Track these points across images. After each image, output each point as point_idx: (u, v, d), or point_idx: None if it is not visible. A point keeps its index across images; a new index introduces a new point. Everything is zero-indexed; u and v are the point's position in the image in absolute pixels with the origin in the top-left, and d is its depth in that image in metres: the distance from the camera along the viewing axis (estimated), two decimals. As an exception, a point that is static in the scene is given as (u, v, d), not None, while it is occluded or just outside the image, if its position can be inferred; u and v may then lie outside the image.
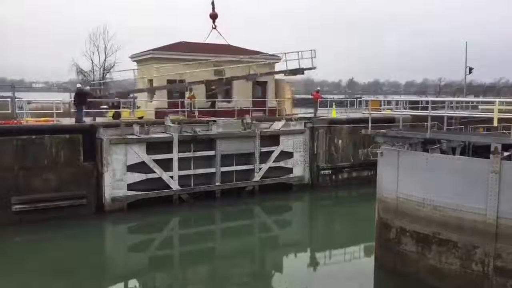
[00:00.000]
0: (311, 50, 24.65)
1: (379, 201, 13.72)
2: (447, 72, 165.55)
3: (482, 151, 12.75)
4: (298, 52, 25.05)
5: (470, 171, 11.28)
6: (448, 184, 11.66)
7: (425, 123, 13.40)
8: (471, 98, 36.55)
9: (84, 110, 22.14)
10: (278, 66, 27.87)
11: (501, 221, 10.73)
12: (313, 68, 25.71)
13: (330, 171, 25.23)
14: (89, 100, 22.42)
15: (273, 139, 23.97)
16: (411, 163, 12.61)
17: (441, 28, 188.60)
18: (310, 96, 32.84)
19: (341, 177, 25.59)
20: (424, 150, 13.24)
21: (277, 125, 24.57)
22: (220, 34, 26.36)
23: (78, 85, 23.55)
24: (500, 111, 13.46)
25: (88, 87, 26.66)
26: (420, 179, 12.29)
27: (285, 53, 25.73)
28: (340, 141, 25.44)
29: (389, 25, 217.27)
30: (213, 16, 28.29)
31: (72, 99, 22.55)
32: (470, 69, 38.51)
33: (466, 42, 38.58)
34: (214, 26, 27.19)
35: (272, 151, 23.73)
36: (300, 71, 25.90)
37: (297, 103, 42.64)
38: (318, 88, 33.51)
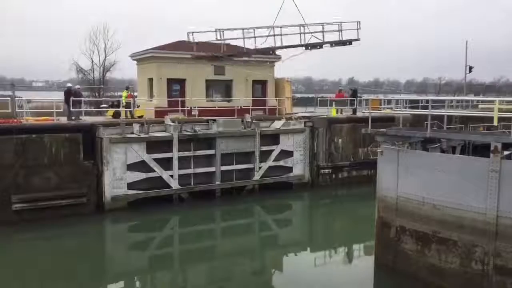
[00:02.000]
0: (357, 22, 23.84)
1: (379, 200, 13.73)
2: (447, 71, 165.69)
3: (482, 150, 12.77)
4: (339, 23, 23.71)
5: (470, 170, 11.28)
6: (448, 183, 11.67)
7: (425, 122, 13.40)
8: (471, 97, 36.57)
9: (72, 109, 22.17)
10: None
11: (501, 220, 10.73)
12: (358, 39, 24.53)
13: (330, 170, 25.23)
14: (73, 99, 22.32)
15: (273, 138, 23.99)
16: (411, 162, 12.62)
17: (442, 27, 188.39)
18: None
19: (341, 176, 25.60)
20: (424, 149, 13.25)
21: (277, 124, 24.58)
22: (296, 6, 24.00)
23: (69, 85, 23.95)
24: (500, 110, 13.46)
25: (77, 86, 26.75)
26: (420, 178, 12.30)
27: (340, 23, 23.72)
28: (340, 140, 25.45)
29: (388, 23, 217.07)
30: None
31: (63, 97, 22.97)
32: (470, 68, 38.60)
33: (467, 41, 38.72)
34: None
35: (272, 150, 23.74)
36: (348, 42, 24.52)
37: (297, 102, 42.74)
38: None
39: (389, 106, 25.92)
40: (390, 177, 13.13)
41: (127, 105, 24.19)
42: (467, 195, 11.28)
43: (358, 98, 29.08)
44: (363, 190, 23.45)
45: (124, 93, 24.82)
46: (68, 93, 22.48)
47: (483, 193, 10.97)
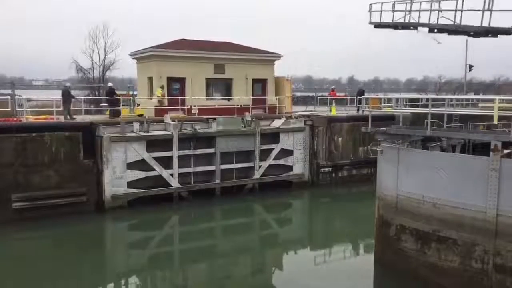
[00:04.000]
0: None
1: (379, 199, 13.74)
2: (447, 70, 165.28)
3: (482, 149, 12.77)
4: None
5: (470, 169, 11.29)
6: (448, 182, 11.67)
7: (425, 120, 13.39)
8: (471, 96, 36.54)
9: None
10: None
11: (501, 218, 10.74)
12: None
13: (330, 169, 25.22)
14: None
15: (273, 136, 23.99)
16: (411, 160, 12.62)
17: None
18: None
19: (341, 174, 25.59)
20: (424, 148, 13.26)
21: (277, 123, 24.57)
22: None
23: (109, 84, 26.08)
24: (500, 108, 13.44)
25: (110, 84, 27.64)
26: (420, 176, 12.30)
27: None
28: (340, 139, 25.44)
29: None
30: None
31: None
32: (470, 67, 38.51)
33: (467, 40, 38.56)
34: None
35: (272, 149, 23.74)
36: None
37: (297, 100, 42.74)
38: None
39: (389, 104, 25.92)
40: (390, 175, 13.13)
41: (161, 103, 25.52)
42: (467, 194, 11.28)
43: (360, 97, 29.10)
44: (363, 188, 23.49)
45: (159, 91, 25.59)
46: (112, 93, 24.47)
47: (483, 191, 10.97)
